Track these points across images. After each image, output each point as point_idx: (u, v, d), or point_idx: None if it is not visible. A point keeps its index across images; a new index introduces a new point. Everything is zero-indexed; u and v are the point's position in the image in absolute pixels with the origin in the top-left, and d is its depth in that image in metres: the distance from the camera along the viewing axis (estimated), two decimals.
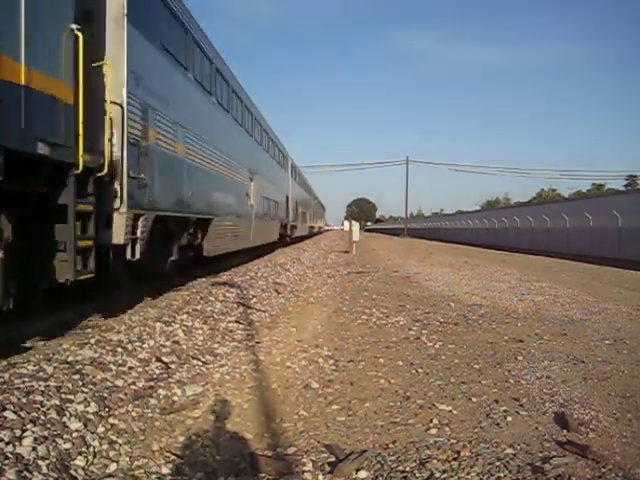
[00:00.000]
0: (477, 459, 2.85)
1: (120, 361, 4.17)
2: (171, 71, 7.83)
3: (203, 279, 10.11)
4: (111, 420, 3.20)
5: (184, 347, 5.04)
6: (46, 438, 2.76)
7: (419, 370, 4.67)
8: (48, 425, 2.89)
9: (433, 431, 3.30)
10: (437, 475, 2.69)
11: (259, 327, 6.52)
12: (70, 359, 4.00)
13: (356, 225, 23.66)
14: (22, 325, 5.26)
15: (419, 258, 20.53)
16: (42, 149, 4.17)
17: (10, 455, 2.53)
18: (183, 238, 8.77)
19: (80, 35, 4.62)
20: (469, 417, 3.54)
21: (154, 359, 4.47)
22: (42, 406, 3.06)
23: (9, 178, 3.81)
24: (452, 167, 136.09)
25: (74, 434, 2.92)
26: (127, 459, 2.86)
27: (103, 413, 3.24)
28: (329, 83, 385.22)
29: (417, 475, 2.71)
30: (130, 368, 4.11)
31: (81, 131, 4.71)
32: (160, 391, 3.89)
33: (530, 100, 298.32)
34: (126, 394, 3.63)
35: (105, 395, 3.49)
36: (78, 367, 3.80)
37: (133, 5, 5.99)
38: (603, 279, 13.20)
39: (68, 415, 3.07)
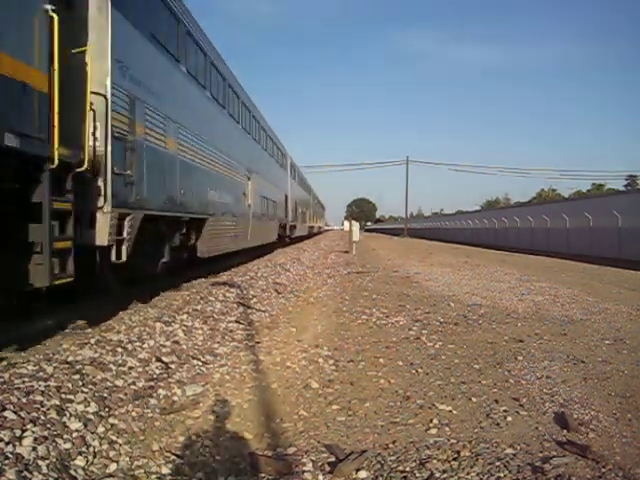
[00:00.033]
0: (477, 459, 2.85)
1: (120, 361, 4.17)
2: (161, 62, 7.47)
3: (203, 279, 10.10)
4: (111, 420, 3.20)
5: (184, 347, 5.04)
6: (46, 438, 2.76)
7: (419, 370, 4.67)
8: (48, 425, 2.89)
9: (433, 431, 3.30)
10: (437, 475, 2.69)
11: (259, 327, 6.52)
12: (70, 359, 4.00)
13: (356, 225, 23.66)
14: (22, 325, 5.27)
15: (419, 258, 20.53)
16: (10, 140, 3.80)
17: (10, 455, 2.53)
18: (175, 239, 8.42)
19: (55, 17, 4.23)
20: (469, 417, 3.53)
21: (154, 359, 4.47)
22: (42, 406, 3.06)
23: None
24: (452, 167, 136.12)
25: (74, 434, 2.92)
26: (127, 459, 2.86)
27: (103, 413, 3.24)
28: (329, 83, 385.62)
29: (417, 475, 2.71)
30: (130, 368, 4.11)
31: (56, 122, 4.31)
32: (160, 391, 3.89)
33: (530, 100, 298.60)
34: (126, 394, 3.63)
35: (105, 395, 3.49)
36: (78, 367, 3.80)
37: None
38: (603, 279, 13.19)
39: (68, 415, 3.07)
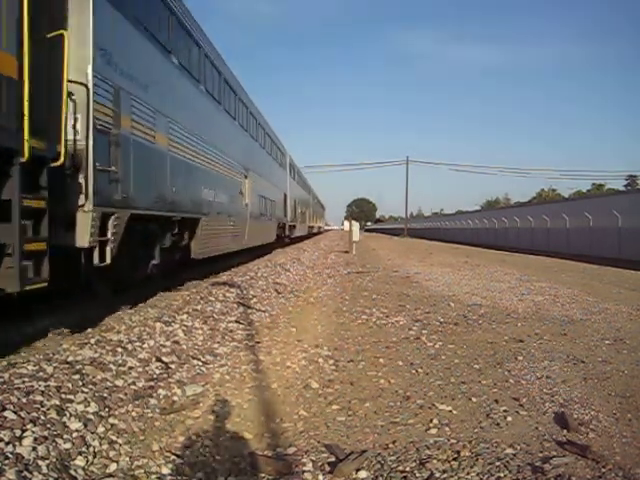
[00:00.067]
0: (477, 459, 2.85)
1: (120, 361, 4.17)
2: (150, 52, 7.06)
3: (201, 279, 10.10)
4: (111, 420, 3.20)
5: (184, 347, 5.04)
6: (46, 438, 2.76)
7: (419, 370, 4.67)
8: (48, 425, 2.89)
9: (433, 431, 3.30)
10: (437, 475, 2.69)
11: (259, 327, 6.52)
12: (70, 359, 4.00)
13: (356, 225, 23.66)
14: (22, 325, 5.27)
15: (419, 258, 20.53)
16: None
17: (10, 455, 2.53)
18: (166, 240, 8.01)
19: None
20: (469, 417, 3.53)
21: (154, 359, 4.47)
22: (42, 406, 3.06)
23: None
24: (452, 167, 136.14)
25: (74, 434, 2.92)
26: (127, 459, 2.86)
27: (103, 413, 3.24)
28: (329, 83, 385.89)
29: (417, 475, 2.71)
30: (130, 368, 4.11)
31: (27, 111, 3.90)
32: (160, 391, 3.89)
33: (530, 100, 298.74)
34: (126, 394, 3.63)
35: (105, 395, 3.49)
36: (78, 367, 3.80)
37: None
38: (603, 279, 13.19)
39: (68, 415, 3.07)
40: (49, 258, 4.28)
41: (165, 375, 4.22)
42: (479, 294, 9.71)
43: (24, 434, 2.73)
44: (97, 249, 5.28)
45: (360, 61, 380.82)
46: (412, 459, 2.89)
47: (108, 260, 5.46)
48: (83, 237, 5.05)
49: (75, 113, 5.00)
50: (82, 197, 5.07)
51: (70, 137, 4.90)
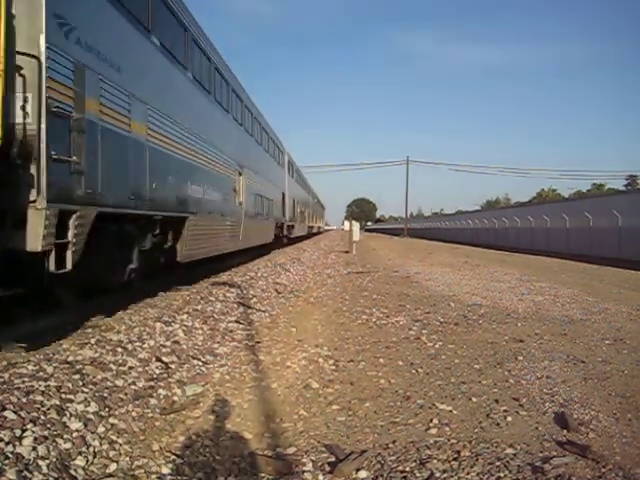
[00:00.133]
0: (477, 459, 2.85)
1: (120, 361, 4.17)
2: (126, 30, 6.27)
3: (203, 279, 10.11)
4: (111, 420, 3.20)
5: (184, 347, 5.04)
6: (46, 438, 2.76)
7: (419, 370, 4.67)
8: (48, 425, 2.89)
9: (433, 431, 3.30)
10: (437, 475, 2.69)
11: (259, 327, 6.52)
12: (70, 359, 4.00)
13: (356, 225, 23.67)
14: (22, 325, 5.26)
15: (419, 258, 20.53)
16: None
17: (10, 455, 2.53)
18: (146, 241, 7.19)
19: None
20: (469, 417, 3.53)
21: (154, 359, 4.47)
22: (42, 406, 3.06)
23: None
24: (452, 167, 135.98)
25: (74, 434, 2.92)
26: (127, 459, 2.86)
27: (103, 413, 3.24)
28: (329, 83, 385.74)
29: (417, 475, 2.71)
30: (130, 368, 4.11)
31: None
32: (160, 391, 3.89)
33: (530, 100, 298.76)
34: (126, 394, 3.63)
35: (105, 395, 3.49)
36: (78, 367, 3.80)
37: None
38: (603, 279, 13.19)
39: (68, 415, 3.07)
40: (3, 260, 3.86)
41: (165, 375, 4.22)
42: (479, 294, 9.71)
43: (24, 434, 2.73)
44: (53, 253, 4.52)
45: (360, 61, 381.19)
46: (412, 459, 2.89)
47: (68, 266, 4.72)
48: (35, 239, 4.28)
49: (25, 92, 4.25)
50: (33, 192, 4.30)
51: (19, 120, 4.21)
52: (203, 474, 2.78)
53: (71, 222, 4.78)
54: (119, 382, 3.77)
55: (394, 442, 3.13)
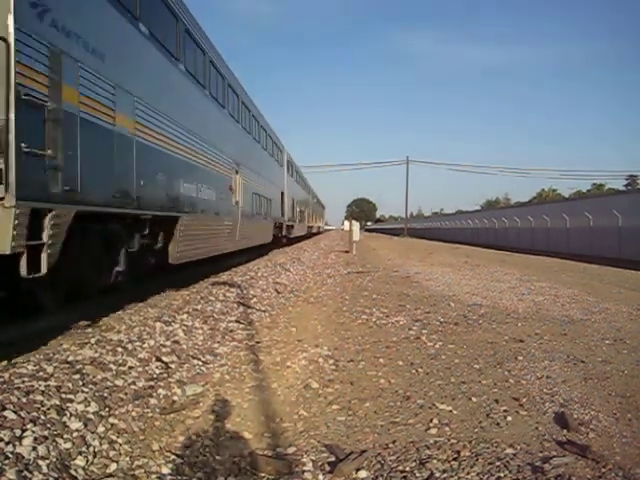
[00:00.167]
0: (477, 459, 2.85)
1: (120, 361, 4.17)
2: (109, 14, 5.86)
3: (203, 279, 10.10)
4: (111, 420, 3.20)
5: (184, 347, 5.04)
6: (46, 438, 2.76)
7: (419, 370, 4.67)
8: (48, 425, 2.89)
9: (433, 431, 3.30)
10: (437, 475, 2.69)
11: (259, 327, 6.52)
12: (70, 359, 4.00)
13: (356, 225, 23.65)
14: (22, 325, 5.26)
15: (419, 258, 20.53)
16: None
17: (10, 455, 2.54)
18: (134, 242, 6.82)
19: None
20: (469, 417, 3.53)
21: (154, 359, 4.47)
22: (42, 406, 3.06)
23: None
24: (452, 167, 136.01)
25: (74, 434, 2.92)
26: (127, 459, 2.86)
27: (103, 413, 3.24)
28: (329, 83, 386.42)
29: (417, 475, 2.71)
30: (130, 368, 4.11)
31: None
32: (160, 391, 3.89)
33: (530, 100, 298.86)
34: (126, 394, 3.63)
35: (105, 395, 3.49)
36: (78, 367, 3.80)
37: None
38: (603, 279, 13.19)
39: (68, 415, 3.07)
40: None
41: (165, 375, 4.22)
42: (479, 294, 9.71)
43: (24, 434, 2.73)
44: (25, 256, 4.19)
45: (360, 61, 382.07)
46: (412, 459, 2.89)
47: (43, 270, 4.39)
48: (3, 240, 3.99)
49: None
50: (1, 188, 4.00)
51: None
52: (203, 474, 2.78)
53: (46, 222, 4.44)
54: (119, 382, 3.77)
55: (394, 442, 3.13)
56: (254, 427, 3.43)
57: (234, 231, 12.25)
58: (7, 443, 2.61)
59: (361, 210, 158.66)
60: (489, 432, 3.27)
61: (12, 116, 4.04)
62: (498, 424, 3.40)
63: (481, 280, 12.17)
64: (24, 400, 3.06)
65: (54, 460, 2.63)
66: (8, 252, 4.02)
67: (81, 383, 3.51)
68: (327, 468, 2.83)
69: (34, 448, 2.64)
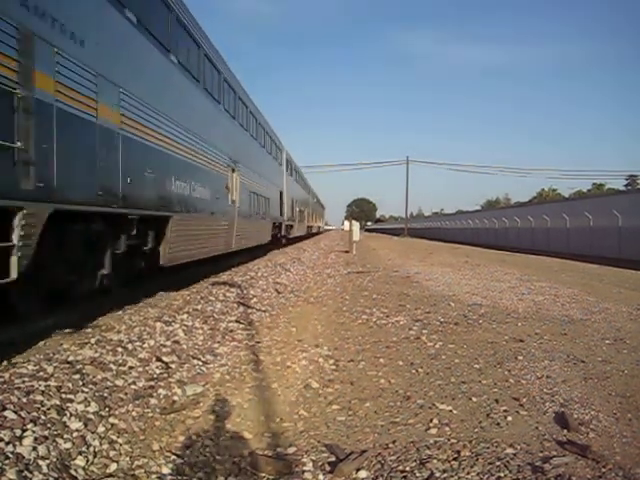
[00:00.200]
0: (477, 459, 2.85)
1: (120, 361, 4.17)
2: None
3: (203, 279, 10.11)
4: (111, 420, 3.20)
5: (184, 347, 5.04)
6: (46, 438, 2.76)
7: (419, 370, 4.67)
8: (48, 425, 2.89)
9: (433, 431, 3.30)
10: (437, 475, 2.69)
11: (259, 327, 6.52)
12: (70, 359, 4.00)
13: (356, 225, 23.65)
14: (23, 324, 5.26)
15: (419, 258, 20.53)
16: None
17: (10, 455, 2.54)
18: (120, 243, 6.37)
19: None
20: (469, 417, 3.53)
21: (154, 359, 4.47)
22: (42, 406, 3.06)
23: None
24: (452, 167, 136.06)
25: (74, 434, 2.92)
26: (127, 459, 2.86)
27: (103, 413, 3.24)
28: (329, 83, 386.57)
29: (417, 475, 2.71)
30: (130, 368, 4.11)
31: None
32: (160, 391, 3.89)
33: (530, 100, 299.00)
34: (126, 394, 3.63)
35: (105, 395, 3.49)
36: (78, 367, 3.81)
37: None
38: (603, 279, 13.19)
39: (68, 415, 3.07)
40: None
41: (165, 375, 4.22)
42: (479, 294, 9.71)
43: (24, 434, 2.73)
44: None
45: (360, 61, 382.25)
46: (412, 459, 2.89)
47: (13, 275, 4.04)
48: None
49: None
50: None
51: None
52: (203, 474, 2.78)
53: (16, 221, 4.06)
54: (119, 382, 3.77)
55: (394, 442, 3.13)
56: (254, 427, 3.43)
57: (230, 231, 11.93)
58: (7, 443, 2.61)
59: (361, 210, 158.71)
60: (489, 432, 3.27)
61: None
62: (498, 424, 3.40)
63: (481, 280, 12.16)
64: (24, 400, 3.06)
65: (54, 460, 2.63)
66: None
67: (81, 383, 3.51)
68: (327, 468, 2.83)
69: (34, 448, 2.64)
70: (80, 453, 2.79)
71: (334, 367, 4.80)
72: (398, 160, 67.53)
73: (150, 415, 3.47)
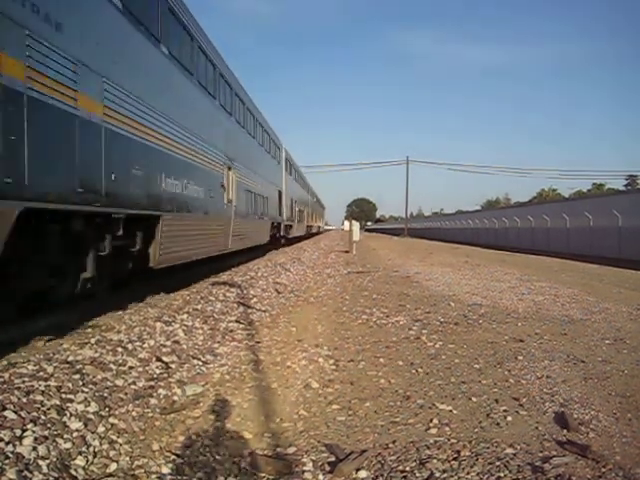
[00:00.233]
0: (477, 459, 2.85)
1: (120, 361, 4.17)
2: None
3: (203, 279, 10.11)
4: (111, 420, 3.20)
5: (184, 347, 5.05)
6: (46, 438, 2.76)
7: (419, 370, 4.67)
8: (48, 425, 2.89)
9: (433, 431, 3.30)
10: (437, 475, 2.69)
11: (259, 327, 6.52)
12: (70, 359, 4.00)
13: (356, 225, 23.66)
14: (23, 324, 5.26)
15: (419, 258, 20.53)
16: None
17: (10, 455, 2.54)
18: (104, 244, 5.91)
19: None
20: (469, 417, 3.53)
21: (154, 359, 4.47)
22: (42, 406, 3.06)
23: None
24: (452, 167, 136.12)
25: (74, 434, 2.92)
26: (127, 459, 2.86)
27: (103, 413, 3.24)
28: (329, 82, 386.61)
29: (417, 475, 2.71)
30: (130, 368, 4.11)
31: None
32: (160, 391, 3.89)
33: (530, 100, 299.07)
34: (126, 394, 3.63)
35: (105, 395, 3.49)
36: (78, 367, 3.81)
37: None
38: (603, 279, 13.19)
39: (68, 415, 3.07)
40: None
41: (165, 375, 4.22)
42: (479, 294, 9.71)
43: (24, 434, 2.73)
44: None
45: (359, 61, 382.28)
46: (412, 459, 2.89)
47: None
48: None
49: None
50: None
51: None
52: (203, 474, 2.78)
53: None
54: (119, 382, 3.77)
55: (394, 442, 3.13)
56: (254, 427, 3.43)
57: (226, 231, 11.53)
58: (7, 443, 2.61)
59: (361, 210, 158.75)
60: (489, 432, 3.27)
61: None
62: (498, 424, 3.40)
63: (481, 280, 12.16)
64: (24, 400, 3.06)
65: (54, 460, 2.63)
66: None
67: (81, 383, 3.51)
68: (327, 468, 2.83)
69: (34, 448, 2.64)
70: (80, 453, 2.79)
71: (334, 367, 4.80)
72: (398, 160, 67.67)
73: (150, 415, 3.47)
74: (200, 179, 9.32)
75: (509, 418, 3.49)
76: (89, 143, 5.23)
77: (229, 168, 11.64)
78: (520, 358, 5.03)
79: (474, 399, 3.88)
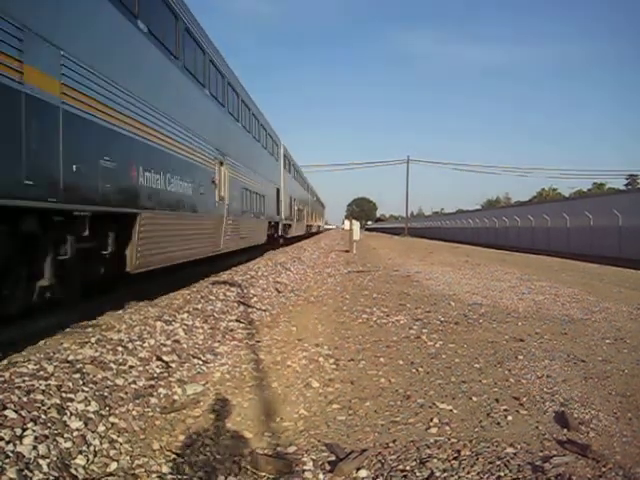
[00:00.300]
0: (477, 458, 2.85)
1: (120, 360, 4.17)
2: None
3: (203, 278, 10.10)
4: (112, 419, 3.20)
5: (184, 346, 5.04)
6: (47, 437, 2.76)
7: (419, 369, 4.67)
8: (49, 424, 2.89)
9: (433, 430, 3.30)
10: (437, 474, 2.69)
11: (259, 326, 6.52)
12: (71, 358, 3.99)
13: (357, 224, 23.66)
14: (23, 324, 5.26)
15: (419, 257, 20.53)
16: None
17: (11, 454, 2.54)
18: (66, 247, 5.12)
19: None
20: (469, 416, 3.53)
21: (154, 358, 4.47)
22: (43, 405, 3.06)
23: None
24: (453, 166, 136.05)
25: (75, 433, 2.92)
26: (127, 458, 2.87)
27: (104, 412, 3.24)
28: (329, 83, 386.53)
29: (417, 474, 2.71)
30: (130, 367, 4.11)
31: None
32: (160, 390, 3.89)
33: (530, 100, 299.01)
34: (127, 393, 3.63)
35: (106, 394, 3.49)
36: (79, 366, 3.80)
37: None
38: (604, 278, 13.19)
39: (69, 414, 3.07)
40: None
41: (166, 374, 4.22)
42: (480, 293, 9.70)
43: (25, 433, 2.72)
44: None
45: (360, 61, 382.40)
46: (412, 458, 2.89)
47: None
48: None
49: None
50: None
51: None
52: (203, 473, 2.78)
53: None
54: (119, 381, 3.77)
55: (394, 441, 3.13)
56: (254, 426, 3.43)
57: (218, 231, 10.76)
58: (8, 442, 2.61)
59: (361, 209, 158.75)
60: (489, 431, 3.27)
61: None
62: (498, 423, 3.40)
63: (481, 279, 12.16)
64: (25, 399, 3.06)
65: (54, 459, 2.63)
66: None
67: (81, 382, 3.51)
68: (327, 467, 2.83)
69: (34, 447, 2.64)
70: (80, 452, 2.79)
71: (334, 366, 4.80)
72: (398, 160, 67.64)
73: (150, 414, 3.47)
74: (187, 174, 8.48)
75: (509, 417, 3.49)
76: (41, 127, 4.39)
77: (221, 163, 10.88)
78: (520, 357, 5.02)
79: (474, 398, 3.88)
